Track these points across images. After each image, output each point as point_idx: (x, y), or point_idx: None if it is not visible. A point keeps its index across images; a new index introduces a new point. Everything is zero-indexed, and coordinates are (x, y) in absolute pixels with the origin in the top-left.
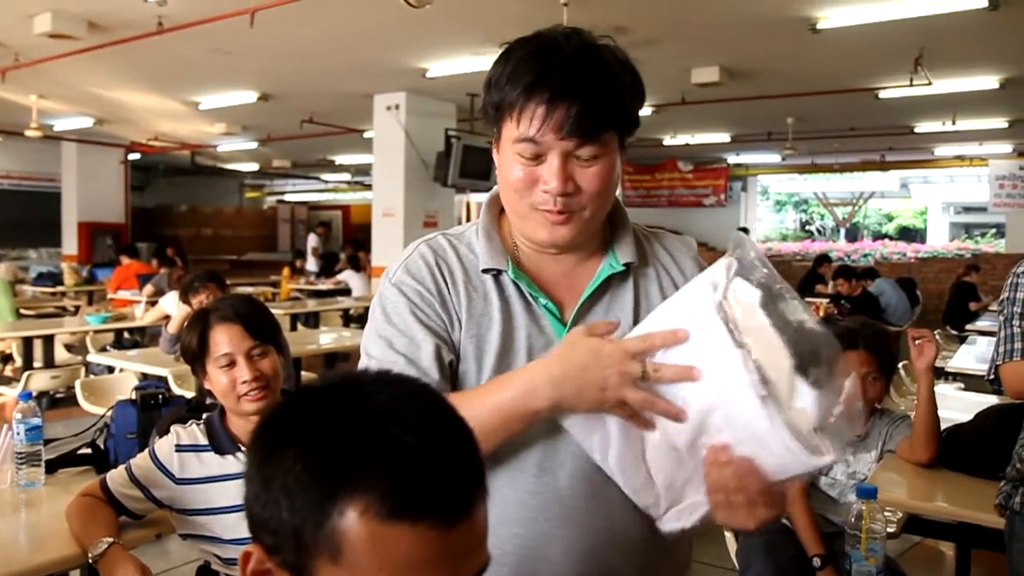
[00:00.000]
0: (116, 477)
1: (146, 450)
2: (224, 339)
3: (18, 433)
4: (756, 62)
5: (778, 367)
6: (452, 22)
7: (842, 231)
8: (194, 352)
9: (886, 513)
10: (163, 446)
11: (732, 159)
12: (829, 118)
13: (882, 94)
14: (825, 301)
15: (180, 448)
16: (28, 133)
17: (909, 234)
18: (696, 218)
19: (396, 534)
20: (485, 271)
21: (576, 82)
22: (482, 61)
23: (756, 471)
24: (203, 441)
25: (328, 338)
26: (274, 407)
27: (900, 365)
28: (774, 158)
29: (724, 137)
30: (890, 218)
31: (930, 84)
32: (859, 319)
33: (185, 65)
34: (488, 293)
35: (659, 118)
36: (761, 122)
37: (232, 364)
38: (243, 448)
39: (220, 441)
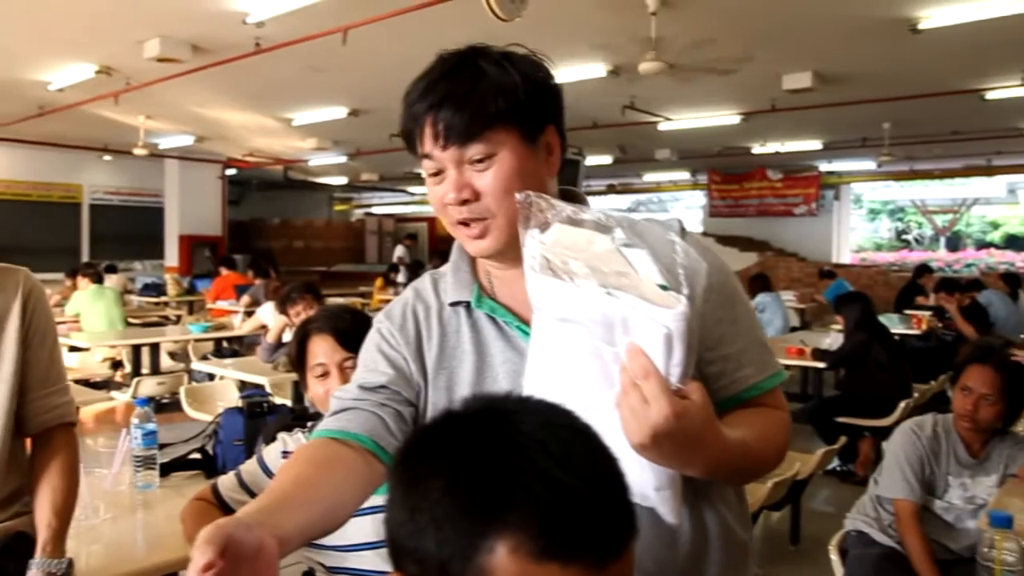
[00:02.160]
0: (226, 482)
1: (254, 456)
2: (319, 350)
3: (135, 437)
4: (851, 66)
5: (609, 260)
6: (541, 33)
7: (942, 240)
8: (295, 361)
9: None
10: (270, 452)
11: (824, 167)
12: (929, 122)
13: (989, 95)
14: (928, 314)
15: (287, 455)
16: (136, 152)
17: (1018, 243)
18: (786, 227)
19: (546, 574)
20: (452, 304)
21: (446, 91)
22: (570, 72)
23: (641, 352)
24: None
25: None
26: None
27: None
28: (869, 165)
29: (816, 144)
30: (996, 226)
31: None
32: (1001, 339)
33: (280, 83)
34: (460, 326)
35: (747, 126)
36: (855, 128)
37: (326, 375)
38: None
39: None
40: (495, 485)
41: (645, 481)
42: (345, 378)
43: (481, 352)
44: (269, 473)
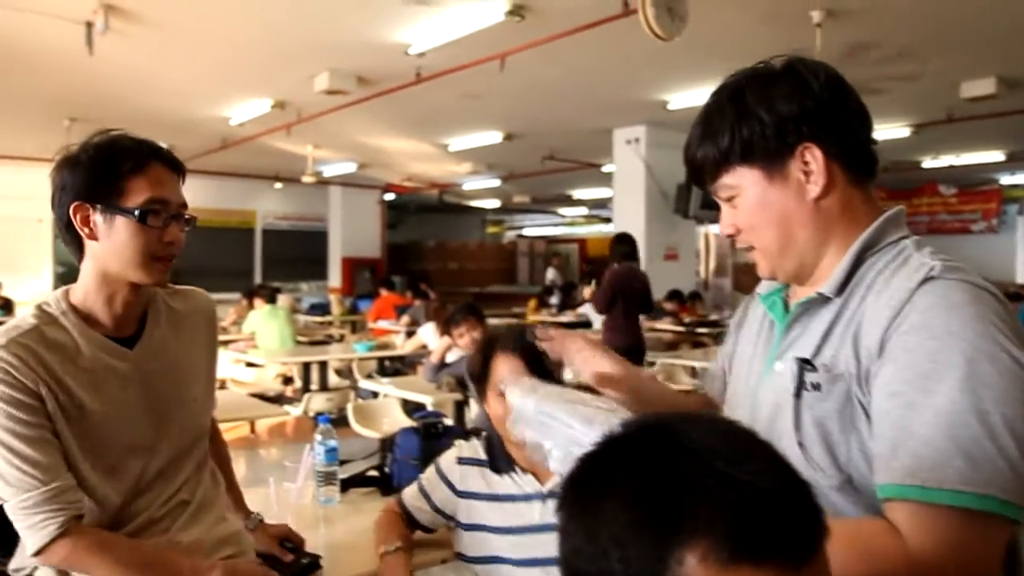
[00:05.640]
0: (409, 493)
1: (432, 465)
2: (504, 369)
3: (318, 454)
4: None
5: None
6: (698, 51)
7: None
8: (477, 375)
9: None
10: (447, 458)
11: (1006, 179)
12: None
13: None
14: None
15: (462, 460)
16: (304, 179)
17: None
18: (962, 246)
19: None
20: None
21: (692, 134)
22: None
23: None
24: (483, 456)
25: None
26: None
27: None
28: None
29: (998, 156)
30: None
31: None
32: None
33: (437, 110)
34: (749, 314)
35: (918, 139)
36: None
37: None
38: (518, 469)
39: (498, 459)
40: (674, 495)
41: None
42: None
43: (751, 343)
44: (445, 479)
